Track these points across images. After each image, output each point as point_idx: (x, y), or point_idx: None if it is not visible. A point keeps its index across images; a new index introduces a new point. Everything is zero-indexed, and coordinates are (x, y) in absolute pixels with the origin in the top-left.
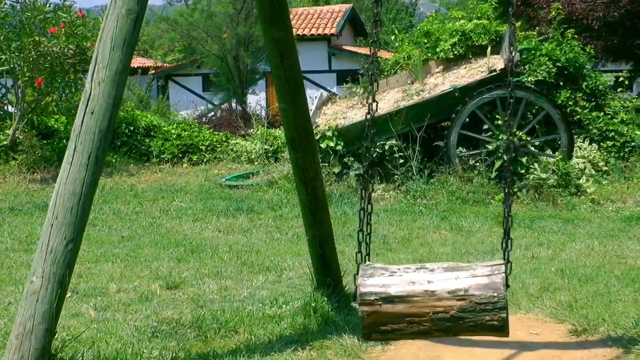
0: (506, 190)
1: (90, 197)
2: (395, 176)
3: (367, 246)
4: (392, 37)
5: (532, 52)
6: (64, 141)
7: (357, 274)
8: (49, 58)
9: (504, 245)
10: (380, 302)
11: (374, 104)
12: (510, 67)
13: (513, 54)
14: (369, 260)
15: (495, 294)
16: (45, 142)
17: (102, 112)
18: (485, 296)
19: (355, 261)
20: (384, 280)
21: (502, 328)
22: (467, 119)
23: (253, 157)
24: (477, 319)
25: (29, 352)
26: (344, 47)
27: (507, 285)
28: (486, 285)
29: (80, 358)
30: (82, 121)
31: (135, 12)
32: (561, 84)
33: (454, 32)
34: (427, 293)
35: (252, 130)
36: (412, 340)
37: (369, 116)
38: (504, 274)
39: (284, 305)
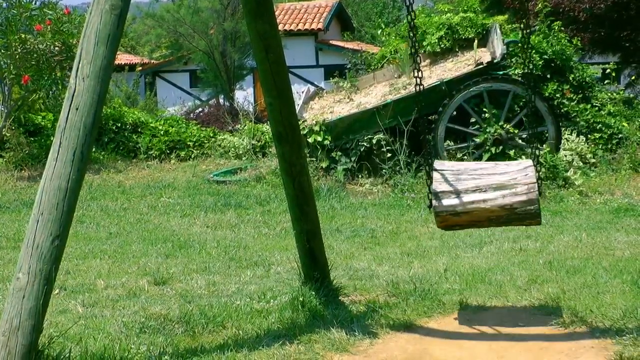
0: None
1: (75, 193)
2: (383, 170)
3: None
4: (379, 31)
5: (519, 44)
6: (51, 138)
7: (430, 192)
8: (35, 55)
9: (534, 159)
10: (449, 216)
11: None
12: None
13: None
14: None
15: (532, 207)
16: (32, 139)
17: (86, 108)
18: (525, 209)
19: (425, 170)
20: (451, 201)
21: (537, 223)
22: (455, 112)
23: (241, 152)
24: (520, 219)
25: (16, 349)
26: (331, 41)
27: (540, 190)
28: (525, 201)
29: (67, 354)
30: (67, 117)
31: (119, 7)
32: (548, 76)
33: (441, 26)
34: (483, 209)
35: (239, 125)
36: (400, 333)
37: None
38: (537, 192)
39: (271, 300)
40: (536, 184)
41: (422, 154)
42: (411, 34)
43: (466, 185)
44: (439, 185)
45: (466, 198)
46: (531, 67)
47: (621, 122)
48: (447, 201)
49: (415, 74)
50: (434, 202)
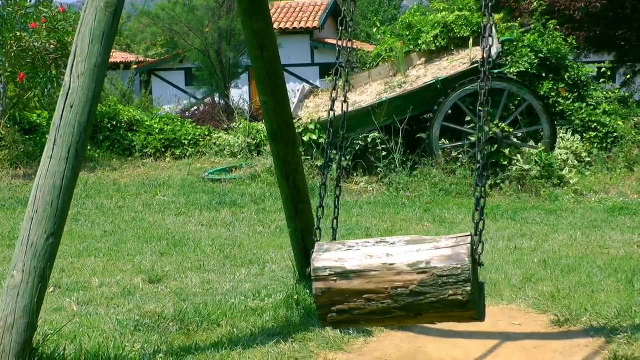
0: (480, 160)
1: (70, 190)
2: (378, 169)
3: (333, 231)
4: (374, 30)
5: (514, 43)
6: (47, 136)
7: (313, 251)
8: (30, 53)
9: (474, 218)
10: (335, 278)
11: None
12: None
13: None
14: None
15: (459, 265)
16: (27, 137)
17: (81, 106)
18: (448, 268)
19: (314, 237)
20: (339, 254)
21: (467, 304)
22: (450, 111)
23: (236, 150)
24: (439, 293)
25: (10, 346)
26: (326, 40)
27: (477, 260)
28: (449, 256)
29: (62, 352)
30: (62, 115)
31: (113, 5)
32: (543, 75)
33: (436, 24)
34: (385, 267)
35: (235, 124)
36: (394, 332)
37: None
38: (469, 245)
39: (266, 298)
40: (469, 238)
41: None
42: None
43: (366, 240)
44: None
45: (364, 250)
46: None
47: (616, 120)
48: (334, 254)
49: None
50: (314, 255)
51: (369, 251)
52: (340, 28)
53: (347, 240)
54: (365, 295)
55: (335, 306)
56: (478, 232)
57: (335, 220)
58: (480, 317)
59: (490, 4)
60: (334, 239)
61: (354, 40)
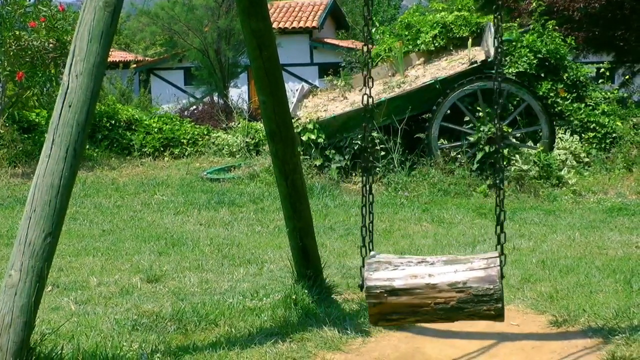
0: (498, 182)
1: (68, 190)
2: (377, 168)
3: (370, 241)
4: (373, 30)
5: (513, 43)
6: (45, 135)
7: (363, 267)
8: (29, 52)
9: (498, 239)
10: (385, 295)
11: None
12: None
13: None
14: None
15: (492, 287)
16: (26, 136)
17: (79, 105)
18: (482, 288)
19: (360, 254)
20: (388, 274)
21: (498, 317)
22: (449, 111)
23: (234, 150)
24: (475, 309)
25: (7, 346)
26: (325, 39)
27: (502, 276)
28: (483, 278)
29: (59, 351)
30: (60, 114)
31: (112, 4)
32: (542, 75)
33: (435, 24)
34: (428, 286)
35: (233, 123)
36: (392, 332)
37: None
38: (499, 267)
39: (264, 298)
40: (498, 259)
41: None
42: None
43: (409, 259)
44: (375, 256)
45: (409, 270)
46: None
47: (615, 121)
48: (383, 274)
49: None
50: (365, 274)
51: (413, 271)
52: (365, 29)
53: (380, 254)
54: (411, 308)
55: (385, 316)
56: (502, 253)
57: (364, 229)
58: (503, 320)
59: (501, 5)
60: (364, 245)
61: (353, 40)
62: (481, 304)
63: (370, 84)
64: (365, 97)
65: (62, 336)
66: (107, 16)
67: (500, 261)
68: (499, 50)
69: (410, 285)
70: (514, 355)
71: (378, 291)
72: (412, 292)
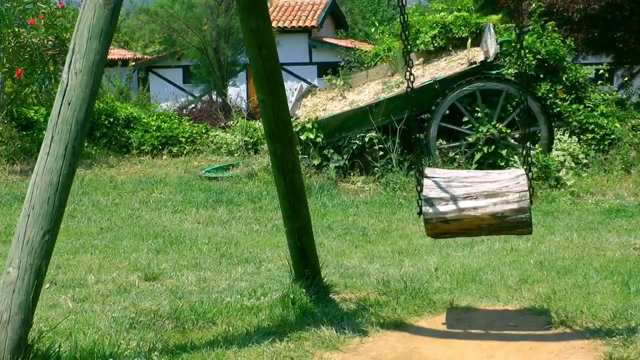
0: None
1: (67, 187)
2: (375, 168)
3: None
4: (373, 29)
5: (513, 44)
6: (44, 133)
7: (420, 198)
8: (28, 49)
9: (527, 171)
10: (439, 223)
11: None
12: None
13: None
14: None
15: (524, 216)
16: (24, 133)
17: (79, 103)
18: (516, 218)
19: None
20: (441, 208)
21: (528, 233)
22: (447, 111)
23: (233, 149)
24: (511, 230)
25: (5, 343)
26: (324, 39)
27: (531, 199)
28: (517, 210)
29: (57, 349)
30: (59, 112)
31: (112, 2)
32: (541, 76)
33: (434, 25)
34: (474, 216)
35: (232, 122)
36: (390, 332)
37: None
38: (529, 200)
39: (262, 297)
40: (528, 192)
41: (413, 156)
42: (403, 35)
43: (457, 193)
44: (429, 191)
45: (457, 205)
46: (524, 68)
47: (614, 123)
48: (438, 208)
49: (407, 76)
50: (424, 208)
51: (461, 205)
52: (403, 35)
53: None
54: (460, 230)
55: (439, 234)
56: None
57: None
58: (531, 232)
59: (520, 9)
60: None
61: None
62: (516, 227)
63: (411, 63)
64: (408, 73)
65: (59, 334)
66: (107, 14)
67: (530, 193)
68: (521, 62)
69: (460, 217)
70: (512, 355)
71: (434, 221)
72: (461, 221)
